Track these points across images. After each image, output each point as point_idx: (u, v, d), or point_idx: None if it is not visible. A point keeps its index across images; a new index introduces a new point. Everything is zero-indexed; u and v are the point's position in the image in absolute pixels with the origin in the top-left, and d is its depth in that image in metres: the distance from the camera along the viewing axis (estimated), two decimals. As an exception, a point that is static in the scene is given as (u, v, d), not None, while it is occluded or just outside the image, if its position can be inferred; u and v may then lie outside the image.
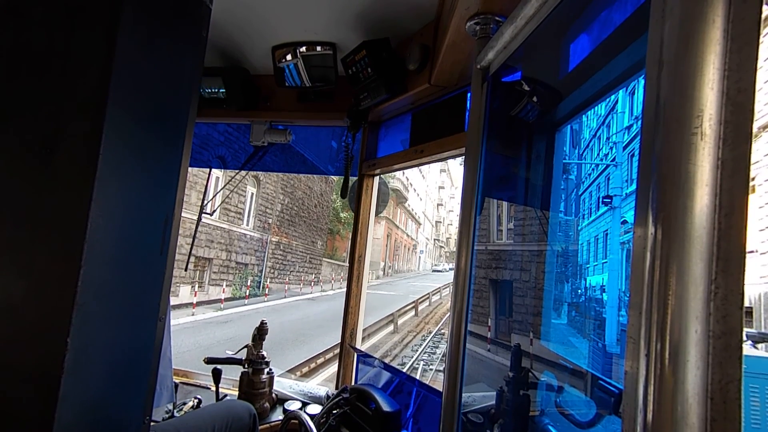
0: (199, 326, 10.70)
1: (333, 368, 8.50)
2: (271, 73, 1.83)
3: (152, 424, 1.05)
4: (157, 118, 0.87)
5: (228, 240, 15.37)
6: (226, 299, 14.42)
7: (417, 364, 9.71)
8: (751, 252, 8.36)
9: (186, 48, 0.93)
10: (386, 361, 1.83)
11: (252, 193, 17.27)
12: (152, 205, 0.87)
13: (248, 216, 16.99)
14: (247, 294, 15.95)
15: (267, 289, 17.36)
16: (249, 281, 16.63)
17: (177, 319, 10.75)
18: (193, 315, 11.78)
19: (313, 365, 8.42)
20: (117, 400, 0.82)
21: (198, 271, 14.13)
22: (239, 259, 16.23)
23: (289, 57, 1.75)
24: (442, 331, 13.61)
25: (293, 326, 11.70)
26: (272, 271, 18.75)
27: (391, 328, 13.50)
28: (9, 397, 0.71)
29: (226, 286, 15.14)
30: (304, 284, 21.39)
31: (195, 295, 12.88)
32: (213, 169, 2.69)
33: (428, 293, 21.87)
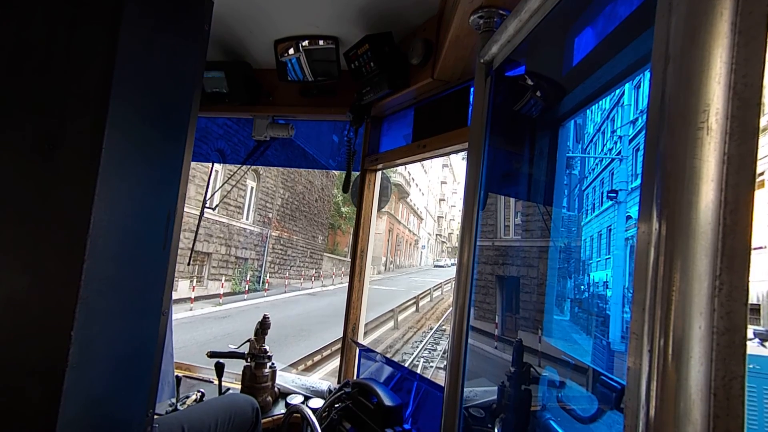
0: (197, 321, 10.60)
1: (332, 365, 8.45)
2: (274, 67, 1.83)
3: (155, 417, 1.06)
4: (160, 113, 0.87)
5: (227, 234, 15.26)
6: (226, 294, 14.31)
7: (417, 361, 9.65)
8: (759, 248, 8.27)
9: (188, 43, 0.93)
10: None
11: (252, 187, 17.13)
12: (155, 200, 0.87)
13: (248, 210, 16.86)
14: (247, 289, 15.80)
15: (267, 284, 17.22)
16: (248, 276, 16.49)
17: (175, 314, 10.61)
18: (191, 310, 11.69)
19: (309, 363, 8.33)
20: (121, 394, 0.83)
21: (197, 266, 14.01)
22: (239, 254, 16.13)
23: (291, 51, 1.74)
24: (443, 327, 13.52)
25: (293, 321, 11.59)
26: (272, 266, 18.64)
27: (391, 324, 13.39)
28: (14, 390, 0.72)
29: (226, 280, 15.03)
30: (304, 279, 21.27)
31: (193, 290, 12.74)
32: (216, 162, 2.69)
33: (429, 289, 21.82)
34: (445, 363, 9.33)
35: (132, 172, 0.81)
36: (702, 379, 0.35)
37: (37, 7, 0.79)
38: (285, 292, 17.44)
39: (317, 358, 8.52)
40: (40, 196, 0.75)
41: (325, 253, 25.09)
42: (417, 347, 10.87)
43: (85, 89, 0.75)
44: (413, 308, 17.06)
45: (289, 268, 20.26)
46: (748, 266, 0.35)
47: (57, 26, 0.78)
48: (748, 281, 0.35)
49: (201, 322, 10.54)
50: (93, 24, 0.76)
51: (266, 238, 17.94)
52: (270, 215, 18.18)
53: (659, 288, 0.37)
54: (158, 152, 0.88)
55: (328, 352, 8.91)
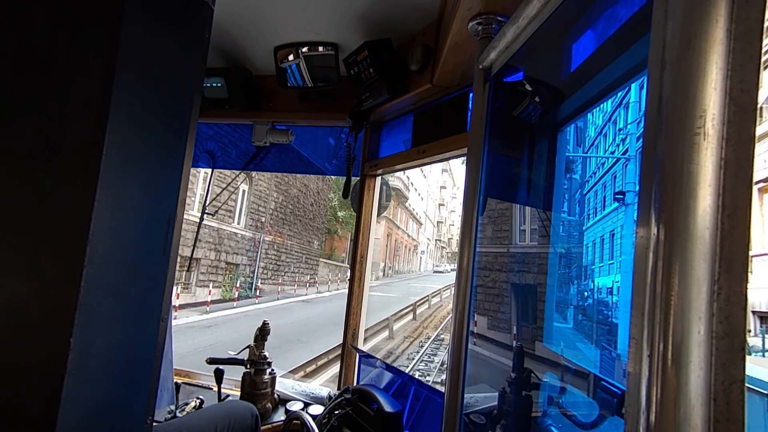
0: (179, 331, 9.88)
1: (320, 378, 8.26)
2: (273, 73, 1.84)
3: (155, 424, 1.05)
4: (160, 118, 0.88)
5: (217, 239, 14.73)
6: (215, 301, 13.71)
7: (412, 374, 9.31)
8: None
9: (188, 49, 0.94)
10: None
11: (244, 191, 16.67)
12: (155, 205, 0.87)
13: (239, 214, 16.38)
14: (236, 296, 15.17)
15: (259, 291, 16.70)
16: (239, 282, 15.89)
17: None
18: (175, 318, 10.79)
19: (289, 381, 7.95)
20: (120, 400, 0.82)
21: (184, 272, 13.30)
22: (229, 259, 15.60)
23: (291, 57, 1.75)
24: (442, 336, 13.17)
25: (284, 330, 11.00)
26: (265, 271, 18.13)
27: (386, 333, 12.96)
28: (12, 397, 0.71)
29: (215, 287, 14.38)
30: (299, 285, 20.82)
31: (178, 297, 12.09)
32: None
33: (428, 295, 21.53)
34: (442, 377, 9.16)
35: (132, 177, 0.81)
36: (702, 383, 0.35)
37: (37, 13, 0.80)
38: (278, 299, 16.92)
39: (300, 374, 8.16)
40: (40, 201, 0.75)
41: (321, 259, 24.70)
42: (413, 358, 10.48)
43: (86, 94, 0.75)
44: (410, 316, 16.73)
45: (283, 274, 19.77)
46: (747, 270, 0.35)
47: (58, 31, 0.78)
48: (747, 286, 0.35)
49: (184, 332, 9.89)
50: (93, 30, 0.77)
51: (259, 242, 17.48)
52: (263, 219, 17.69)
53: (658, 293, 0.37)
54: (158, 157, 0.88)
55: (313, 367, 8.51)
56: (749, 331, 10.13)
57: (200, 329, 10.56)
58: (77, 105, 0.75)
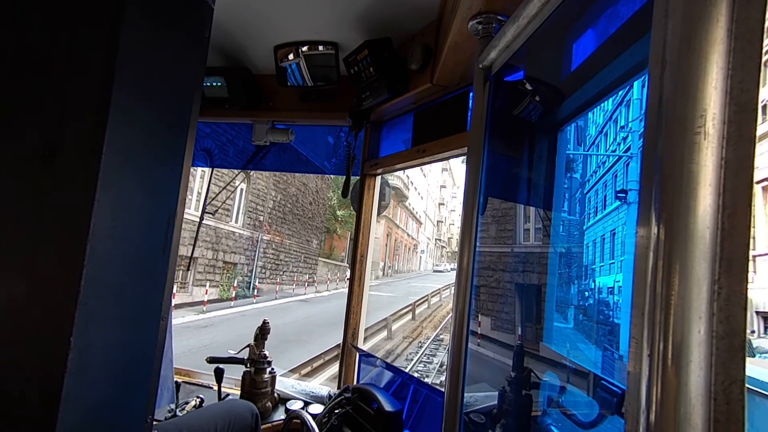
0: (174, 331, 9.16)
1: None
2: (273, 72, 1.83)
3: (155, 423, 1.05)
4: (160, 119, 0.88)
5: (214, 238, 14.53)
6: (212, 301, 13.44)
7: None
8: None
9: (188, 48, 0.94)
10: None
11: (241, 189, 16.46)
12: (155, 205, 0.87)
13: (237, 213, 16.23)
14: (233, 295, 14.89)
15: (256, 290, 16.49)
16: (236, 282, 15.62)
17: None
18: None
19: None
20: (120, 400, 0.82)
21: (181, 271, 13.05)
22: (227, 258, 15.41)
23: (291, 56, 1.75)
24: (441, 336, 13.04)
25: (280, 331, 10.68)
26: (263, 271, 17.93)
27: (384, 334, 12.80)
28: (12, 397, 0.71)
29: (212, 286, 14.15)
30: (297, 285, 20.58)
31: (174, 297, 11.37)
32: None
33: (427, 295, 21.37)
34: (441, 378, 9.08)
35: (132, 177, 0.81)
36: (702, 383, 0.35)
37: (37, 13, 0.80)
38: (276, 299, 16.71)
39: (295, 377, 7.81)
40: (39, 201, 0.75)
41: (320, 258, 24.44)
42: (412, 359, 10.33)
43: (85, 94, 0.75)
44: (409, 316, 16.60)
45: (281, 273, 19.54)
46: (747, 270, 0.35)
47: (57, 32, 0.78)
48: (747, 285, 0.35)
49: (179, 332, 9.51)
50: (93, 30, 0.77)
51: (257, 242, 17.31)
52: (261, 218, 17.49)
53: (658, 292, 0.37)
54: (158, 157, 0.88)
55: (309, 369, 8.29)
56: (753, 332, 10.11)
57: (195, 329, 10.33)
58: (77, 105, 0.75)
